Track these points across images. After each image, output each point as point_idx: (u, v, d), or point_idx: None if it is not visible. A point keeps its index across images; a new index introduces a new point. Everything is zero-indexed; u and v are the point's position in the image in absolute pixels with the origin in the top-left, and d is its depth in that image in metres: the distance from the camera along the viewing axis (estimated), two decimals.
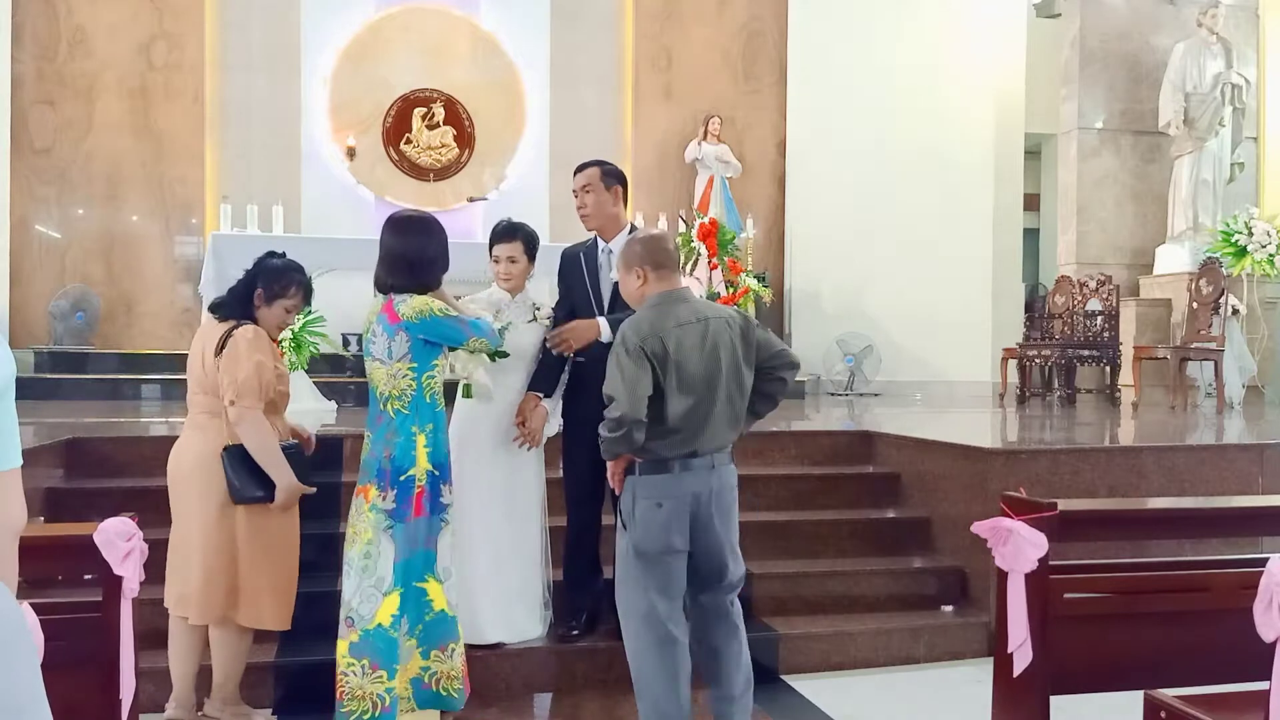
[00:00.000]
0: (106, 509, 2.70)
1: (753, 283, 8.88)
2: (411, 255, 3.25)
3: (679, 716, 3.00)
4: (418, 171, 9.63)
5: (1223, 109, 9.35)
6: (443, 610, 3.32)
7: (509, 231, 3.87)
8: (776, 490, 4.89)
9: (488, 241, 3.89)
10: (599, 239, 3.89)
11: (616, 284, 3.78)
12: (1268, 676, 2.10)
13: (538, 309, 3.90)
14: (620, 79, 10.11)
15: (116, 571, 2.36)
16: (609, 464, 3.09)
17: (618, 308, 3.78)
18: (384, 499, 3.19)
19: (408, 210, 3.58)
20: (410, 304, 3.19)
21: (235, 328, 3.26)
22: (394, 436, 3.20)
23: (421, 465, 3.21)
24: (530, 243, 3.88)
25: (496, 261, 3.83)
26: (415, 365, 3.22)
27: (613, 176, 3.84)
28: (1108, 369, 8.41)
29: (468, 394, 3.73)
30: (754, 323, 3.18)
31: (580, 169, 3.88)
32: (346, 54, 9.53)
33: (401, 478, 3.18)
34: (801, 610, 4.28)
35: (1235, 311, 8.31)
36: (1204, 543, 4.02)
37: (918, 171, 9.86)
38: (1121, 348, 8.36)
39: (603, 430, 2.95)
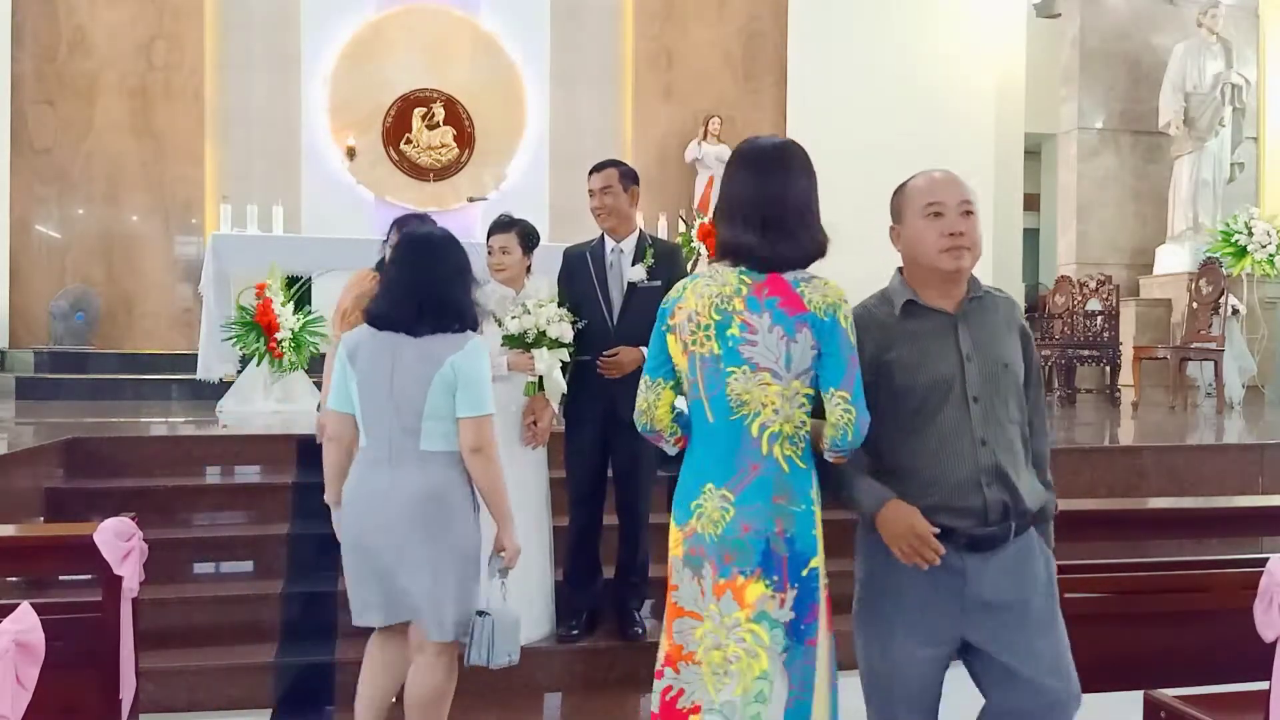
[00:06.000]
0: (106, 509, 2.71)
1: None
2: None
3: None
4: (418, 171, 9.63)
5: (1223, 109, 9.35)
6: None
7: (505, 224, 3.89)
8: None
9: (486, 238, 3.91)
10: (608, 238, 3.83)
11: (630, 285, 3.73)
12: (1268, 676, 2.10)
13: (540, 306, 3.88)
14: (620, 79, 10.11)
15: (116, 571, 2.36)
16: None
17: (629, 310, 3.72)
18: None
19: None
20: None
21: None
22: None
23: None
24: (526, 236, 3.88)
25: (490, 253, 3.84)
26: None
27: (630, 178, 3.81)
28: (1108, 369, 8.41)
29: (530, 393, 3.75)
30: None
31: (599, 169, 3.82)
32: (346, 54, 9.53)
33: None
34: None
35: (1235, 311, 8.31)
36: (1204, 543, 4.01)
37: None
38: (1121, 348, 8.36)
39: None
